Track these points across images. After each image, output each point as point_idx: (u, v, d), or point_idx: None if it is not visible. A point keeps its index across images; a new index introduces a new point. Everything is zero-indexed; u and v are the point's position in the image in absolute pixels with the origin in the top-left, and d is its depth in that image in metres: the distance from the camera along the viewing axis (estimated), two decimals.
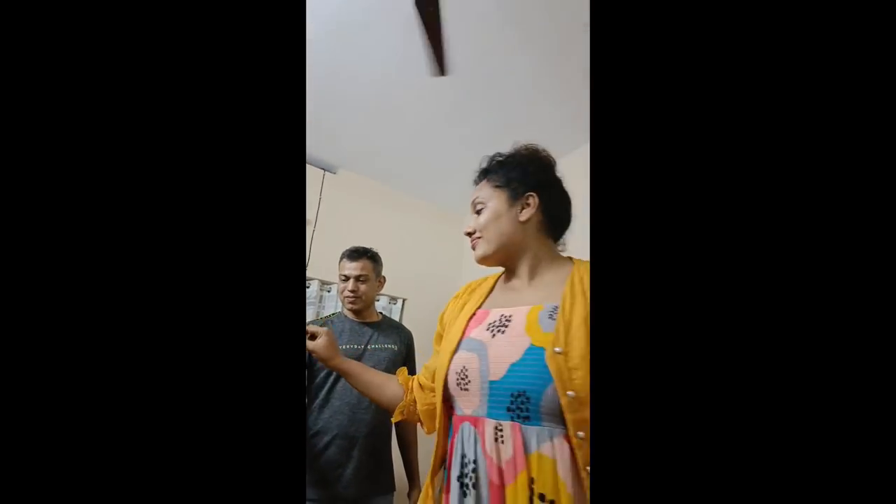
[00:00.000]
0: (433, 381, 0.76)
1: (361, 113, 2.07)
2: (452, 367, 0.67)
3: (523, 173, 0.76)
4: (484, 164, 0.82)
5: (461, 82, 1.82)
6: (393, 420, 0.83)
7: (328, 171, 2.50)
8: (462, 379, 0.65)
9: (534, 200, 0.74)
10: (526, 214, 0.74)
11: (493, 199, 0.76)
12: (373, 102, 2.01)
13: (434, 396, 0.74)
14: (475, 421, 0.62)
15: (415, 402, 0.80)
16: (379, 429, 1.31)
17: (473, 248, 0.77)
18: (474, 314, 0.73)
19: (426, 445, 0.75)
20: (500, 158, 0.80)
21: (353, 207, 2.50)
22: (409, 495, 1.45)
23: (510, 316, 0.67)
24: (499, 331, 0.65)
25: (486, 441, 0.59)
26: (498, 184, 0.77)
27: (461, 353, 0.67)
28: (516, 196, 0.75)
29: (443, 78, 1.83)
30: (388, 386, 0.84)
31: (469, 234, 0.78)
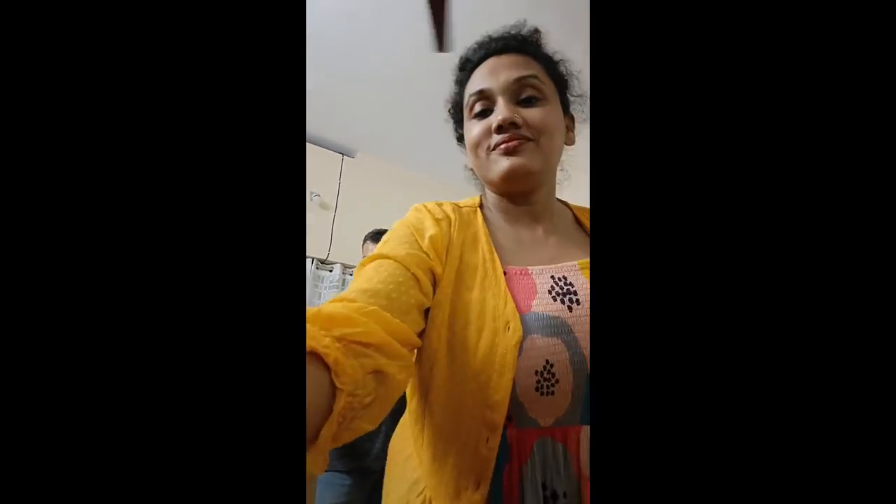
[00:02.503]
0: (361, 327, 0.34)
1: (377, 95, 2.07)
2: (527, 363, 0.41)
3: (567, 82, 0.56)
4: (530, 31, 0.55)
5: None
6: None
7: (347, 155, 2.52)
8: (546, 379, 0.41)
9: (572, 125, 0.56)
10: (570, 139, 0.56)
11: (554, 96, 0.52)
12: (388, 84, 2.00)
13: (379, 357, 0.34)
14: (562, 434, 0.41)
15: (346, 399, 0.32)
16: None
17: (510, 150, 0.48)
18: (504, 272, 0.47)
19: None
20: (553, 54, 0.55)
21: (373, 190, 2.51)
22: None
23: (566, 277, 0.47)
24: (571, 300, 0.45)
25: (582, 458, 0.40)
26: (556, 77, 0.54)
27: (538, 339, 0.42)
28: (566, 109, 0.55)
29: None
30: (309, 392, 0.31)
31: (505, 127, 0.48)
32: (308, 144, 2.40)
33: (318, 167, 2.41)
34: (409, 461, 0.49)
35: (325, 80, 1.99)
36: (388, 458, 0.58)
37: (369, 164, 2.56)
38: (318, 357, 0.29)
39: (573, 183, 0.61)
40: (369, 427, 0.34)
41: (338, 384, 0.30)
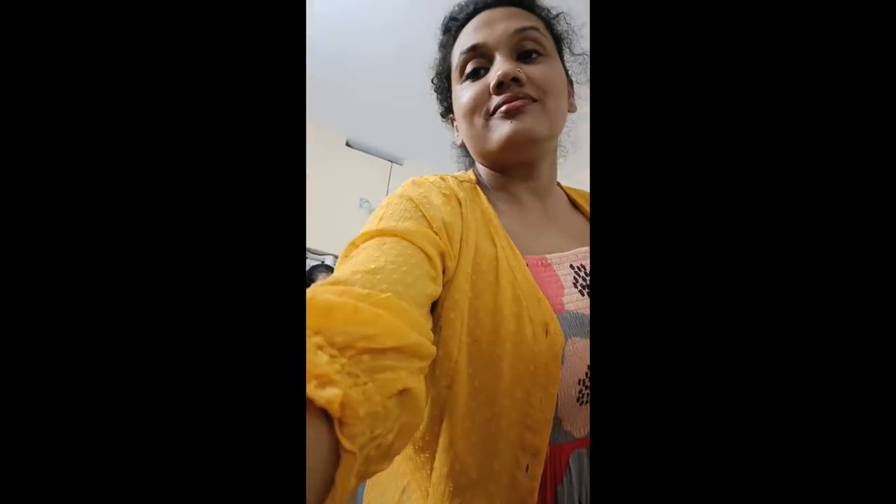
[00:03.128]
0: (356, 327, 0.23)
1: (424, 104, 2.08)
2: (570, 372, 0.35)
3: (567, 39, 0.50)
4: None
5: None
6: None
7: (395, 162, 2.56)
8: (587, 387, 0.35)
9: (571, 89, 0.50)
10: (572, 105, 0.49)
11: (555, 53, 0.45)
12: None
13: (401, 367, 0.25)
14: None
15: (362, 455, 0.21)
16: None
17: (513, 111, 0.41)
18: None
19: None
20: (550, 8, 0.49)
21: None
22: None
23: (584, 266, 0.41)
24: None
25: None
26: (555, 34, 0.48)
27: (579, 343, 0.35)
28: (566, 72, 0.49)
29: None
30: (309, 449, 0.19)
31: (507, 84, 0.41)
32: (357, 152, 2.47)
33: (367, 175, 2.47)
34: (406, 496, 0.40)
35: (374, 90, 2.04)
36: (370, 486, 0.45)
37: (417, 171, 2.58)
38: (309, 403, 0.18)
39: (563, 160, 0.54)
40: (385, 467, 0.24)
41: (345, 443, 0.18)
